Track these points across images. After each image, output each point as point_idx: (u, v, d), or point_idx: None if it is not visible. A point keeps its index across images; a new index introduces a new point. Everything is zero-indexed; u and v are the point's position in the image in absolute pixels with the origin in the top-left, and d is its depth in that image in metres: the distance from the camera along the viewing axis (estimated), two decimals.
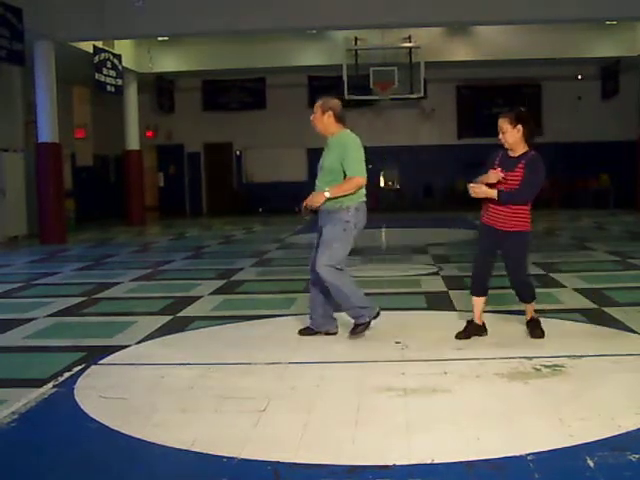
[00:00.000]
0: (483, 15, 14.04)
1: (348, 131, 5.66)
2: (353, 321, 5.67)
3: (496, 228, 5.37)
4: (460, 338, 5.48)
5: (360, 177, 5.47)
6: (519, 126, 5.29)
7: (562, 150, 20.18)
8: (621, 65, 19.13)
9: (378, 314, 5.67)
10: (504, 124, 5.31)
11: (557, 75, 20.28)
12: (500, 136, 5.33)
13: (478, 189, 5.26)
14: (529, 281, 5.61)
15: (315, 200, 5.50)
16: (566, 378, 4.44)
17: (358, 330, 5.60)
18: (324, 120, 5.60)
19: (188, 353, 5.39)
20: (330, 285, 5.48)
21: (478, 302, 5.56)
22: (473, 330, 5.55)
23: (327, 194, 5.46)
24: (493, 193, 5.26)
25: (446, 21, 15.33)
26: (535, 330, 5.57)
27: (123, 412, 4.08)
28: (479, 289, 5.55)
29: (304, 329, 5.83)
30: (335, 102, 5.63)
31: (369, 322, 5.61)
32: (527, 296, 5.56)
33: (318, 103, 5.64)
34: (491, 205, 5.36)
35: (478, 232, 5.66)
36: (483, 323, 5.59)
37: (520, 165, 5.27)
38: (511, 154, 5.37)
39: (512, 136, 5.30)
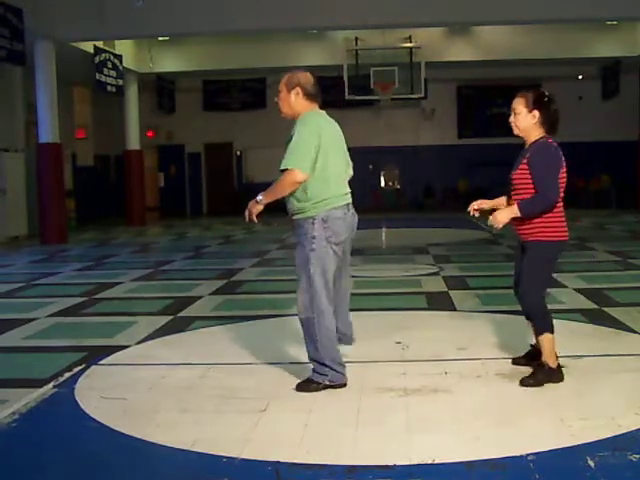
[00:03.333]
0: (483, 15, 14.04)
1: (315, 111, 4.42)
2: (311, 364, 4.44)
3: (521, 240, 4.51)
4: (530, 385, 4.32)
5: (297, 170, 4.14)
6: (535, 112, 4.37)
7: (562, 150, 20.08)
8: (621, 65, 19.13)
9: (342, 385, 4.38)
10: (518, 105, 4.43)
11: (557, 75, 20.26)
12: (511, 118, 4.49)
13: (500, 217, 4.33)
14: (541, 307, 4.39)
15: (251, 209, 4.37)
16: (566, 378, 4.44)
17: (307, 387, 4.34)
18: (291, 100, 4.39)
19: (188, 353, 5.39)
20: (305, 327, 4.37)
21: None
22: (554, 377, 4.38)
23: (259, 198, 4.32)
24: (514, 210, 4.32)
25: (446, 21, 15.33)
26: (532, 378, 4.34)
27: (123, 412, 4.08)
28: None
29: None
30: (304, 76, 4.43)
31: (325, 386, 4.34)
32: (537, 324, 4.40)
33: (283, 79, 4.44)
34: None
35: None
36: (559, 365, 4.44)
37: (524, 160, 4.39)
38: (524, 147, 4.50)
39: (524, 121, 4.41)
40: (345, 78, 18.05)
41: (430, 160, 21.82)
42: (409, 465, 3.25)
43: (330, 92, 20.72)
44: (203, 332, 6.15)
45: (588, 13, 13.90)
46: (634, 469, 3.16)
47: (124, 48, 16.83)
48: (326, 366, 4.33)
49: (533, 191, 4.30)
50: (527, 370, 4.64)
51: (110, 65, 15.92)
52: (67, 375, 4.86)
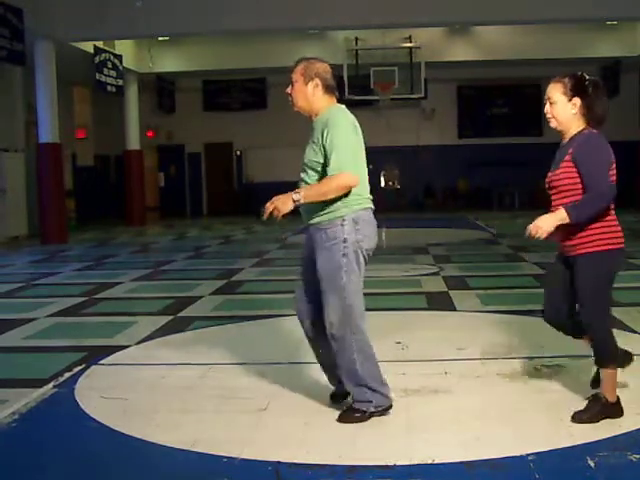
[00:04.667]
0: (483, 15, 14.05)
1: (339, 106, 3.93)
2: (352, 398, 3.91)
3: (566, 254, 3.79)
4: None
5: (347, 173, 3.66)
6: (576, 99, 3.65)
7: None
8: (621, 65, 19.12)
9: (388, 408, 3.88)
10: (554, 92, 3.72)
11: (557, 75, 20.26)
12: (546, 108, 3.77)
13: (544, 224, 3.58)
14: (604, 330, 3.68)
15: (280, 207, 3.68)
16: (566, 378, 4.44)
17: (351, 418, 3.80)
18: (307, 93, 3.87)
19: (188, 353, 5.39)
20: (339, 346, 3.78)
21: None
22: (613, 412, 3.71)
23: (296, 197, 3.68)
24: (563, 215, 3.55)
25: (446, 21, 15.34)
26: (587, 412, 3.67)
27: (123, 412, 4.08)
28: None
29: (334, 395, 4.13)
30: (323, 66, 3.92)
31: (370, 415, 3.81)
32: (600, 352, 3.68)
33: (298, 67, 3.92)
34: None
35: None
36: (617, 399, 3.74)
37: (567, 156, 3.65)
38: (562, 143, 3.79)
39: (563, 112, 3.68)
40: (345, 78, 18.05)
41: (430, 160, 21.82)
42: (409, 465, 3.25)
43: None
44: (203, 332, 6.15)
45: (588, 13, 13.90)
46: (634, 469, 3.16)
47: (124, 48, 16.83)
48: (369, 389, 3.79)
49: (582, 192, 3.60)
50: (525, 370, 4.65)
51: (110, 65, 15.92)
52: (67, 375, 4.86)
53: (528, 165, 19.89)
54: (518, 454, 3.32)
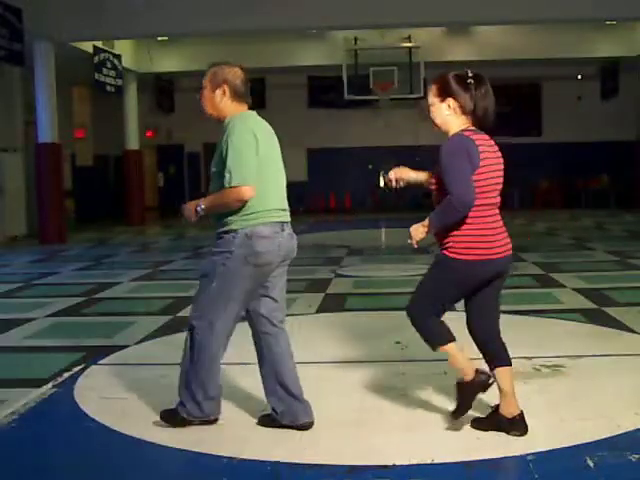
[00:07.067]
0: (483, 15, 14.03)
1: (243, 114, 3.78)
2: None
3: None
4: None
5: (240, 187, 3.54)
6: (449, 100, 3.55)
7: (562, 150, 20.17)
8: (621, 65, 19.13)
9: (213, 421, 3.80)
10: (430, 94, 3.63)
11: (557, 75, 20.26)
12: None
13: (412, 232, 3.66)
14: (421, 320, 3.62)
15: (186, 215, 3.83)
16: (566, 378, 4.44)
17: (167, 419, 3.82)
18: (215, 100, 3.81)
19: None
20: (188, 342, 3.79)
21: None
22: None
23: (199, 208, 3.74)
24: (427, 222, 3.61)
25: (446, 21, 15.32)
26: (457, 410, 3.62)
27: (123, 412, 4.08)
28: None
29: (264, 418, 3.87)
30: (232, 72, 3.79)
31: (188, 421, 3.77)
32: (423, 339, 3.68)
33: (208, 73, 3.83)
34: None
35: None
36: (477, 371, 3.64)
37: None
38: None
39: (439, 114, 3.61)
40: (344, 78, 18.06)
41: (429, 160, 21.74)
42: (409, 465, 3.25)
43: (330, 92, 20.86)
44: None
45: (588, 13, 13.89)
46: (634, 469, 3.16)
47: (123, 48, 16.82)
48: (192, 396, 3.73)
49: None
50: (525, 370, 4.65)
51: (109, 65, 15.91)
52: (66, 375, 4.86)
53: (527, 165, 19.93)
54: (518, 454, 3.32)
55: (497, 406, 3.61)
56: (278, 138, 3.94)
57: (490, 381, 3.59)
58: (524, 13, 13.80)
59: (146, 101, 20.37)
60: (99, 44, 15.38)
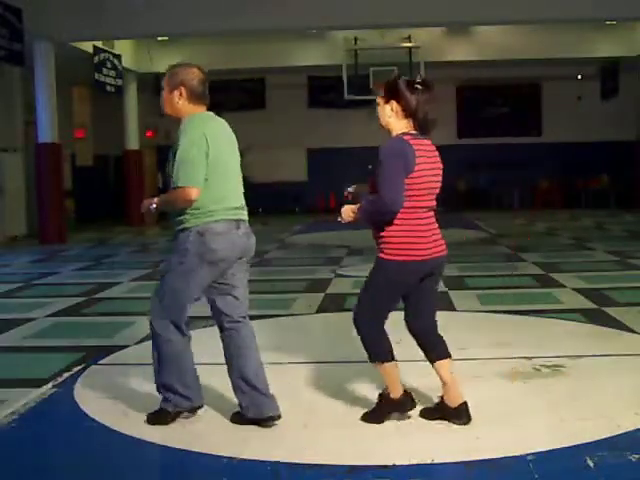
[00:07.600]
0: (483, 15, 14.03)
1: (196, 115, 3.88)
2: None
3: None
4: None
5: (186, 187, 3.69)
6: (392, 102, 3.61)
7: (562, 150, 20.16)
8: (621, 65, 19.12)
9: (196, 409, 3.92)
10: (378, 95, 3.69)
11: (557, 75, 20.25)
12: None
13: (343, 213, 3.74)
14: (366, 330, 3.80)
15: (143, 211, 4.07)
16: (566, 378, 4.44)
17: (155, 421, 3.84)
18: (172, 101, 3.89)
19: None
20: (153, 341, 3.86)
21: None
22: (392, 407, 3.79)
23: (152, 206, 3.94)
24: (354, 212, 3.68)
25: (446, 21, 15.32)
26: (374, 412, 3.79)
27: (123, 412, 4.08)
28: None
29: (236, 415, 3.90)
30: (189, 72, 3.85)
31: (173, 415, 3.83)
32: (365, 348, 3.82)
33: (166, 74, 3.91)
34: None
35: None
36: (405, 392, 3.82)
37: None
38: None
39: (382, 115, 3.66)
40: (344, 78, 18.05)
41: None
42: (409, 465, 3.25)
43: (330, 92, 20.86)
44: (203, 332, 6.14)
45: (588, 13, 13.89)
46: (634, 469, 3.16)
47: (123, 48, 16.82)
48: (166, 389, 3.82)
49: None
50: (525, 370, 4.65)
51: (109, 65, 15.90)
52: (66, 375, 4.85)
53: (527, 165, 19.93)
54: (518, 454, 3.32)
55: (442, 397, 3.80)
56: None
57: (410, 410, 3.77)
58: (524, 13, 13.80)
59: (146, 101, 20.35)
60: (99, 44, 15.38)
